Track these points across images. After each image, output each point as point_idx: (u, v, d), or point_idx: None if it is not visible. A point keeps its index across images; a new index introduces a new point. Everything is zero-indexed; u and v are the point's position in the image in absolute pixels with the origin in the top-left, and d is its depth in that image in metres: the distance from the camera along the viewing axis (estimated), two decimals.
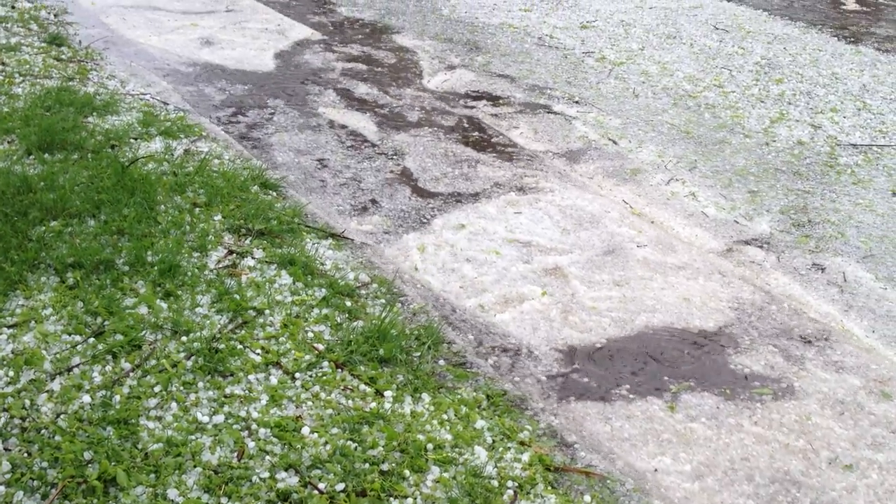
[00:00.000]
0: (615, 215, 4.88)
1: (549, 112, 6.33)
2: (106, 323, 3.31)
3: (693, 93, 6.82)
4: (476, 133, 5.81)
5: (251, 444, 2.81)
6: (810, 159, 5.77)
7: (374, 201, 4.89)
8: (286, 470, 2.73)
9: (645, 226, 4.80)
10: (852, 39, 8.43)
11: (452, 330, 3.76)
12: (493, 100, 6.49)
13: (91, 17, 7.57)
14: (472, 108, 6.30)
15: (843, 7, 9.78)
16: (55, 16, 7.40)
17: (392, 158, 5.42)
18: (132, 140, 4.96)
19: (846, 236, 4.87)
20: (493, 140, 5.71)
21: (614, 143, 5.87)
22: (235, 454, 2.76)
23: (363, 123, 5.91)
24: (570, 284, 4.20)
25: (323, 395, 3.12)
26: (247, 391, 3.07)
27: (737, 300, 4.18)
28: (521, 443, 3.03)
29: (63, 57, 6.28)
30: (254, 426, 2.89)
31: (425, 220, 4.72)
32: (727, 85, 7.02)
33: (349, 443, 2.87)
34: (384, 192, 5.01)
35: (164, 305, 3.46)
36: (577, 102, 6.52)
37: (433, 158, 5.45)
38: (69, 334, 3.24)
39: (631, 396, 3.49)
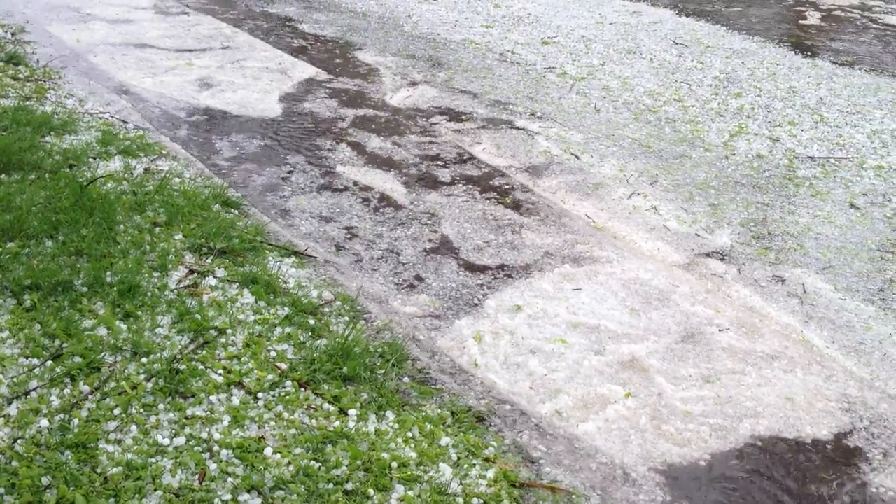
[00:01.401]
0: (685, 290, 4.38)
1: (511, 127, 6.36)
2: (64, 345, 3.26)
3: (653, 107, 6.89)
4: (513, 195, 5.29)
5: (213, 466, 2.77)
6: (769, 172, 5.84)
7: (418, 278, 4.35)
8: (249, 492, 2.70)
9: (722, 303, 4.30)
10: (809, 54, 8.57)
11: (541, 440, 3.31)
12: (456, 115, 6.50)
13: (77, 57, 7.04)
14: (435, 124, 6.31)
15: (803, 22, 9.93)
16: (12, 34, 7.32)
17: (427, 224, 4.89)
18: (91, 159, 4.90)
19: (805, 248, 4.93)
20: (532, 202, 5.24)
21: (576, 157, 5.90)
22: (197, 477, 2.73)
23: (390, 185, 5.32)
24: (654, 382, 3.68)
25: (286, 414, 3.09)
26: (208, 412, 3.04)
27: (845, 398, 3.69)
28: (487, 459, 3.02)
29: (20, 76, 6.21)
30: (215, 448, 2.86)
31: (477, 302, 4.19)
32: (687, 99, 7.10)
33: (313, 463, 2.85)
34: (427, 266, 4.47)
35: (124, 327, 3.42)
36: (539, 117, 6.55)
37: (472, 223, 4.93)
38: (26, 357, 3.19)
39: None
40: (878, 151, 6.26)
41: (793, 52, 8.55)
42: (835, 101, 7.22)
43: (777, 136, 6.43)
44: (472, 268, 4.47)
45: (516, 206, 5.15)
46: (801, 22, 9.91)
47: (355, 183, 5.28)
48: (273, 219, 4.72)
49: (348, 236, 4.68)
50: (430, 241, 4.70)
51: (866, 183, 5.76)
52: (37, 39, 7.24)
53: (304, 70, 7.22)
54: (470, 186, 5.36)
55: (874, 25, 9.80)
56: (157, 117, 6.01)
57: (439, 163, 5.64)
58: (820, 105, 7.12)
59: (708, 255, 4.81)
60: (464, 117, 6.48)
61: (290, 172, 5.36)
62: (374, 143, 5.92)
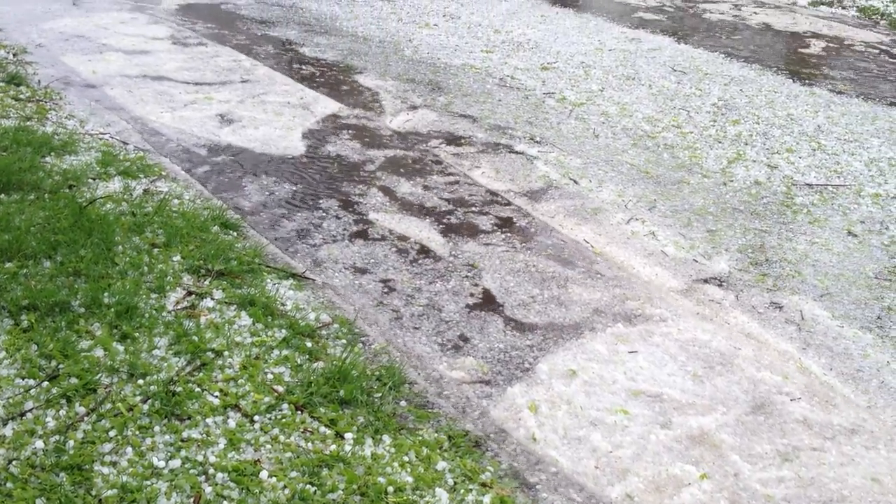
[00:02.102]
0: (748, 353, 4.12)
1: (510, 152, 6.38)
2: (60, 366, 3.25)
3: (652, 133, 6.91)
4: (550, 242, 5.01)
5: (208, 490, 2.76)
6: (767, 199, 5.86)
7: (463, 338, 4.08)
8: None
9: (789, 367, 4.06)
10: (807, 82, 8.61)
11: None
12: (455, 139, 6.52)
13: (93, 90, 6.83)
14: (435, 147, 6.33)
15: (802, 51, 9.99)
16: (14, 55, 7.35)
17: (468, 277, 4.62)
18: (90, 180, 4.91)
19: (803, 275, 4.93)
20: (572, 249, 4.99)
21: (575, 182, 5.92)
22: (192, 500, 2.72)
23: (426, 233, 5.05)
24: (729, 460, 3.43)
25: (282, 437, 3.08)
26: (204, 435, 3.03)
27: None
28: (483, 484, 3.01)
29: (21, 96, 6.23)
30: (211, 471, 2.85)
31: (528, 365, 3.90)
32: (685, 125, 7.13)
33: (308, 486, 2.84)
34: (471, 324, 4.19)
35: (121, 348, 3.41)
36: (538, 142, 6.58)
37: (514, 276, 4.66)
38: (22, 378, 3.18)
39: None
40: (875, 179, 6.28)
41: (791, 80, 8.60)
42: (832, 129, 7.25)
43: (775, 163, 6.45)
44: (519, 326, 4.21)
45: (559, 257, 4.90)
46: (800, 50, 9.97)
47: (390, 231, 5.03)
48: (309, 268, 4.49)
49: (385, 290, 4.42)
50: (471, 295, 4.45)
51: (864, 210, 5.78)
52: (55, 74, 7.04)
53: (327, 105, 7.04)
54: (509, 235, 5.11)
55: (872, 55, 9.86)
56: (177, 154, 5.82)
57: (474, 208, 5.40)
58: (818, 133, 7.15)
59: (706, 280, 4.81)
60: (463, 141, 6.50)
61: (321, 219, 5.10)
62: (405, 188, 5.63)
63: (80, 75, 7.13)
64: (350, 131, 6.56)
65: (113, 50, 7.91)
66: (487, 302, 4.41)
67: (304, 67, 7.99)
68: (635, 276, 4.76)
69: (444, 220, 5.22)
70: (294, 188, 5.51)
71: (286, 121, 6.61)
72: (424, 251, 4.84)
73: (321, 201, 5.36)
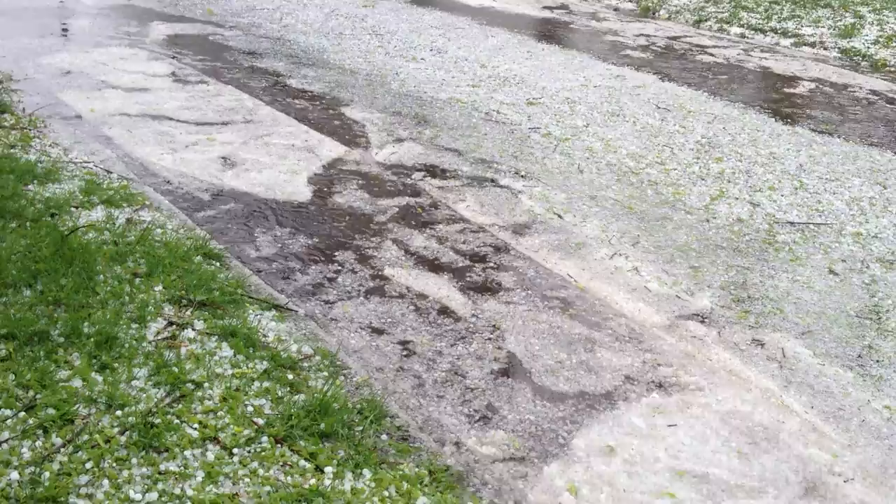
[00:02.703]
0: (793, 427, 3.91)
1: (495, 186, 6.40)
2: (38, 396, 3.22)
3: (636, 169, 6.96)
4: (576, 304, 4.75)
5: None
6: (749, 236, 5.89)
7: (491, 408, 3.86)
8: None
9: (835, 443, 3.86)
10: (789, 121, 8.70)
11: None
12: (441, 173, 6.54)
13: (92, 130, 6.66)
14: (420, 181, 6.34)
15: (786, 90, 10.10)
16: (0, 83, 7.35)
17: (490, 339, 4.41)
18: (73, 209, 4.89)
19: (785, 312, 4.95)
20: (600, 311, 4.76)
21: (559, 217, 5.94)
22: None
23: (445, 291, 4.84)
24: None
25: (261, 471, 3.05)
26: (182, 467, 3.00)
27: None
28: None
29: (5, 124, 6.22)
30: None
31: (562, 441, 3.69)
32: (669, 162, 7.18)
33: None
34: (498, 392, 3.98)
35: (100, 378, 3.38)
36: (523, 177, 6.60)
37: (539, 338, 4.44)
38: None
39: None
40: (856, 218, 6.33)
41: (773, 119, 8.68)
42: (814, 168, 7.31)
43: (757, 201, 6.50)
44: (548, 395, 4.01)
45: (584, 318, 4.69)
46: (784, 90, 10.08)
47: (408, 289, 4.83)
48: (323, 327, 4.31)
49: (405, 353, 4.23)
50: (496, 359, 4.23)
51: (845, 249, 5.82)
52: (52, 111, 6.86)
53: (332, 148, 6.85)
54: (529, 293, 4.90)
55: (854, 96, 9.98)
56: (178, 198, 5.66)
57: (492, 265, 5.19)
58: (800, 171, 7.22)
59: (688, 317, 4.82)
60: (448, 175, 6.52)
61: (336, 272, 4.93)
62: (419, 240, 5.41)
63: (78, 113, 7.00)
64: (357, 177, 6.39)
65: (112, 87, 7.80)
66: (513, 367, 4.21)
67: (296, 102, 8.01)
68: (664, 338, 4.55)
69: (462, 277, 5.03)
70: (302, 238, 5.33)
71: (291, 164, 6.44)
72: (443, 310, 4.65)
73: (333, 254, 5.17)
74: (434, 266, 5.14)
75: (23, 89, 7.27)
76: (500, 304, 4.77)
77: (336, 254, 5.18)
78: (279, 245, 5.23)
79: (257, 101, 7.84)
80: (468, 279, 5.02)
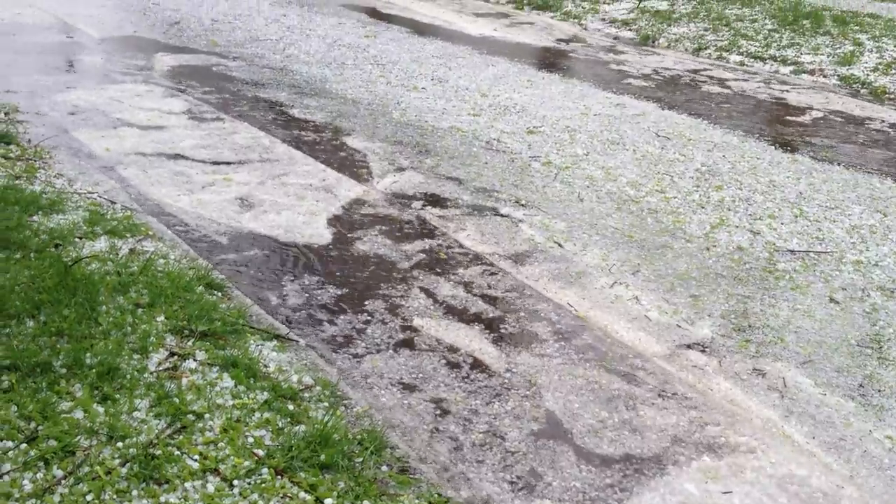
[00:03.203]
0: (853, 493, 3.75)
1: (495, 214, 6.43)
2: (39, 428, 3.23)
3: (636, 197, 6.99)
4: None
5: None
6: (750, 264, 5.91)
7: (534, 474, 3.69)
8: None
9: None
10: (789, 148, 8.74)
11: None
12: (441, 202, 6.58)
13: (106, 170, 6.53)
14: (421, 209, 6.38)
15: (786, 118, 10.15)
16: (6, 114, 7.41)
17: (527, 396, 4.22)
18: (77, 239, 4.93)
19: (786, 342, 4.96)
20: (643, 367, 4.57)
21: (560, 245, 5.96)
22: None
23: (477, 343, 4.65)
24: None
25: (261, 503, 3.06)
26: (182, 499, 3.01)
27: None
28: None
29: (11, 155, 6.27)
30: None
31: None
32: (669, 190, 7.21)
33: None
34: (541, 456, 3.80)
35: (101, 410, 3.40)
36: (523, 205, 6.63)
37: (577, 394, 4.26)
38: (0, 440, 3.16)
39: None
40: (856, 246, 6.35)
41: (773, 147, 8.72)
42: (814, 196, 7.34)
43: (757, 229, 6.52)
44: (593, 459, 3.83)
45: (622, 372, 4.51)
46: (784, 118, 10.13)
47: (438, 340, 4.64)
48: (353, 385, 4.13)
49: (438, 412, 4.04)
50: (535, 419, 4.04)
51: (845, 277, 5.83)
52: (67, 152, 6.69)
53: (351, 188, 6.69)
54: (563, 344, 4.72)
55: (854, 124, 10.03)
56: (196, 242, 5.52)
57: (522, 314, 5.01)
58: (800, 199, 7.24)
59: (689, 346, 4.84)
60: (449, 204, 6.55)
61: (366, 323, 4.75)
62: (446, 289, 5.22)
63: (93, 153, 6.88)
64: (378, 219, 6.21)
65: (127, 125, 7.68)
66: (553, 427, 4.03)
67: (304, 134, 8.06)
68: (707, 394, 4.37)
69: (493, 327, 4.85)
70: (326, 286, 5.15)
71: (309, 205, 6.28)
72: (476, 364, 4.47)
73: (358, 302, 5.00)
74: (463, 315, 4.96)
75: (30, 121, 7.30)
76: (533, 356, 4.59)
77: (361, 303, 5.01)
78: (303, 293, 5.05)
79: (273, 138, 7.70)
80: (499, 330, 4.84)
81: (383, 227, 6.08)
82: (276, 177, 6.77)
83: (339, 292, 5.11)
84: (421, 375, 4.34)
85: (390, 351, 4.53)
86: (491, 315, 4.98)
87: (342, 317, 4.82)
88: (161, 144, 7.27)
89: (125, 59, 10.10)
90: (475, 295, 5.20)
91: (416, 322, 4.83)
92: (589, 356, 4.65)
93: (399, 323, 4.81)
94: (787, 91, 11.25)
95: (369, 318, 4.83)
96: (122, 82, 8.97)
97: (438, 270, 5.50)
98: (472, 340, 4.70)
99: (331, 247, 5.70)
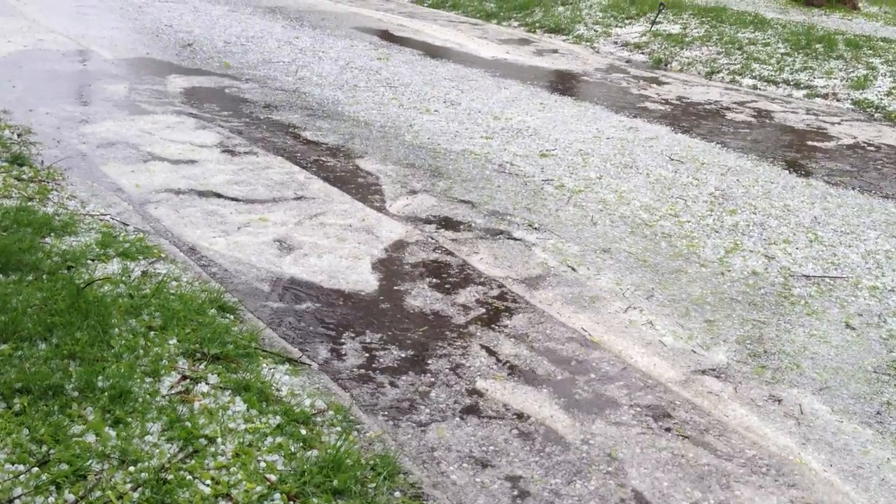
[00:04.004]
0: None
1: (508, 238, 6.41)
2: (51, 451, 3.21)
3: (650, 221, 6.96)
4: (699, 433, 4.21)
5: None
6: (765, 290, 5.87)
7: None
8: None
9: None
10: (803, 173, 8.71)
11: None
12: (454, 225, 6.56)
13: (136, 209, 6.24)
14: (434, 232, 6.36)
15: (798, 143, 10.13)
16: (18, 135, 7.44)
17: (609, 473, 3.85)
18: (89, 261, 4.92)
19: (801, 367, 4.91)
20: (727, 436, 4.22)
21: (573, 269, 5.93)
22: None
23: (547, 410, 4.28)
24: None
25: None
26: None
27: None
28: None
29: (24, 177, 6.28)
30: None
31: None
32: (682, 215, 7.18)
33: None
34: None
35: (113, 433, 3.38)
36: (536, 229, 6.61)
37: (663, 470, 3.89)
38: (12, 463, 3.14)
39: None
40: (872, 272, 6.31)
41: (787, 171, 8.70)
42: (829, 221, 7.30)
43: (772, 254, 6.48)
44: None
45: (708, 444, 4.15)
46: (796, 143, 10.11)
47: (505, 406, 4.27)
48: (419, 464, 3.78)
49: (516, 493, 3.66)
50: (622, 501, 3.68)
51: (861, 303, 5.78)
52: (97, 191, 6.38)
53: (392, 229, 6.34)
54: (640, 410, 4.37)
55: (869, 149, 10.00)
56: (235, 288, 5.22)
57: (593, 376, 4.64)
58: (814, 224, 7.21)
59: (704, 372, 4.79)
60: (462, 227, 6.54)
61: (429, 385, 4.38)
62: (507, 346, 4.84)
63: (122, 189, 6.62)
64: (424, 264, 5.88)
65: (158, 159, 7.39)
66: None
67: (323, 159, 8.07)
68: (808, 471, 4.01)
69: (562, 391, 4.48)
70: (377, 340, 4.80)
71: (351, 248, 5.94)
72: (549, 434, 4.10)
73: (412, 360, 4.63)
74: (528, 377, 4.58)
75: (69, 168, 7.00)
76: (609, 424, 4.21)
77: (416, 360, 4.64)
78: (351, 347, 4.72)
79: (308, 174, 7.41)
80: (569, 393, 4.47)
81: (430, 273, 5.75)
82: (314, 216, 6.43)
83: (390, 347, 4.76)
84: (492, 448, 3.95)
85: (456, 418, 4.14)
86: (558, 377, 4.61)
87: (396, 377, 4.45)
88: (193, 181, 6.95)
89: (147, 84, 10.14)
90: (537, 352, 4.83)
91: (480, 384, 4.45)
92: (670, 425, 4.27)
93: (464, 386, 4.43)
94: (837, 124, 11.07)
95: (426, 378, 4.46)
96: (153, 113, 8.81)
97: (497, 321, 5.16)
98: (541, 406, 4.31)
99: (378, 295, 5.36)
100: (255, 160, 7.66)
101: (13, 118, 7.98)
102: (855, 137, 10.38)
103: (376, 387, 4.36)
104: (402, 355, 4.68)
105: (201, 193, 6.72)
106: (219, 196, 6.70)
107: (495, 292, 5.53)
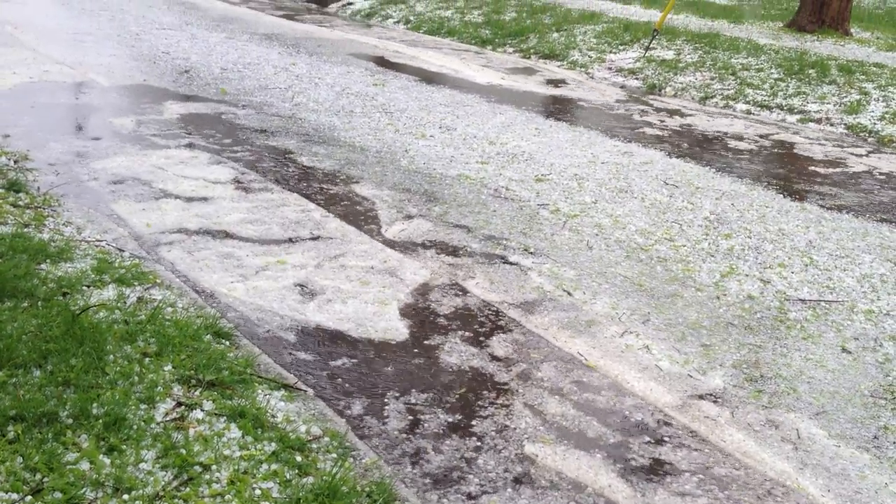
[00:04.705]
0: None
1: (504, 262, 6.41)
2: (45, 479, 3.19)
3: (645, 246, 6.97)
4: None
5: None
6: (761, 314, 5.87)
7: None
8: None
9: None
10: (797, 197, 8.73)
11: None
12: (450, 250, 6.57)
13: (148, 252, 6.02)
14: (431, 258, 6.36)
15: (792, 166, 10.17)
16: (15, 162, 7.45)
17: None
18: (85, 287, 4.92)
19: (798, 392, 4.90)
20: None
21: (569, 294, 5.93)
22: None
23: (603, 478, 3.98)
24: None
25: None
26: None
27: None
28: None
29: (20, 203, 6.29)
30: None
31: None
32: (678, 239, 7.19)
33: None
34: None
35: (107, 461, 3.36)
36: (532, 253, 6.62)
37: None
38: (6, 492, 3.12)
39: None
40: (868, 296, 6.31)
41: (781, 195, 8.72)
42: (824, 245, 7.32)
43: (767, 278, 6.49)
44: None
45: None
46: (790, 166, 10.15)
47: (559, 475, 3.95)
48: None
49: None
50: None
51: (857, 327, 5.78)
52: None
53: (416, 272, 6.09)
54: (702, 477, 4.05)
55: (862, 172, 10.04)
56: (259, 338, 4.99)
57: (646, 438, 4.35)
58: (809, 248, 7.22)
59: (701, 396, 4.78)
60: (458, 252, 6.54)
61: (476, 450, 4.08)
62: (552, 405, 4.54)
63: (132, 229, 6.39)
64: (454, 309, 5.63)
65: (170, 196, 7.16)
66: None
67: (320, 187, 8.08)
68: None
69: (617, 455, 4.18)
70: (416, 398, 4.53)
71: (376, 293, 5.69)
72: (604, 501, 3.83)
73: (454, 421, 4.34)
74: (580, 440, 4.28)
75: (77, 206, 6.80)
76: (671, 495, 3.90)
77: (458, 421, 4.35)
78: (391, 408, 4.43)
79: (325, 212, 7.18)
80: (625, 458, 4.16)
81: (460, 319, 5.50)
82: (333, 258, 6.16)
83: (431, 407, 4.48)
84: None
85: (508, 489, 3.82)
86: (611, 440, 4.30)
87: (440, 441, 4.16)
88: (206, 219, 6.70)
89: (150, 114, 10.18)
90: (586, 413, 4.53)
91: (528, 448, 4.15)
92: (734, 493, 3.97)
93: (508, 449, 4.13)
94: (864, 156, 10.96)
95: (471, 443, 4.16)
96: (166, 147, 8.64)
97: (539, 375, 4.87)
98: (597, 474, 4.01)
99: (409, 345, 5.10)
100: (270, 197, 7.42)
101: (31, 154, 7.91)
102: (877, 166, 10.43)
103: (418, 450, 4.05)
104: (441, 412, 4.40)
105: (214, 234, 6.47)
106: (233, 237, 6.45)
107: (528, 338, 5.26)
